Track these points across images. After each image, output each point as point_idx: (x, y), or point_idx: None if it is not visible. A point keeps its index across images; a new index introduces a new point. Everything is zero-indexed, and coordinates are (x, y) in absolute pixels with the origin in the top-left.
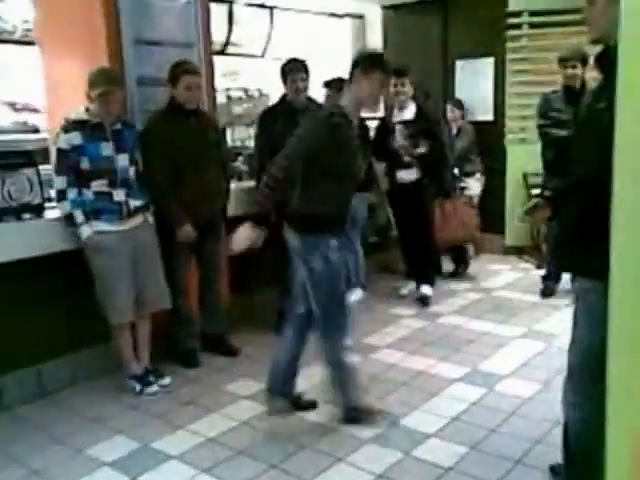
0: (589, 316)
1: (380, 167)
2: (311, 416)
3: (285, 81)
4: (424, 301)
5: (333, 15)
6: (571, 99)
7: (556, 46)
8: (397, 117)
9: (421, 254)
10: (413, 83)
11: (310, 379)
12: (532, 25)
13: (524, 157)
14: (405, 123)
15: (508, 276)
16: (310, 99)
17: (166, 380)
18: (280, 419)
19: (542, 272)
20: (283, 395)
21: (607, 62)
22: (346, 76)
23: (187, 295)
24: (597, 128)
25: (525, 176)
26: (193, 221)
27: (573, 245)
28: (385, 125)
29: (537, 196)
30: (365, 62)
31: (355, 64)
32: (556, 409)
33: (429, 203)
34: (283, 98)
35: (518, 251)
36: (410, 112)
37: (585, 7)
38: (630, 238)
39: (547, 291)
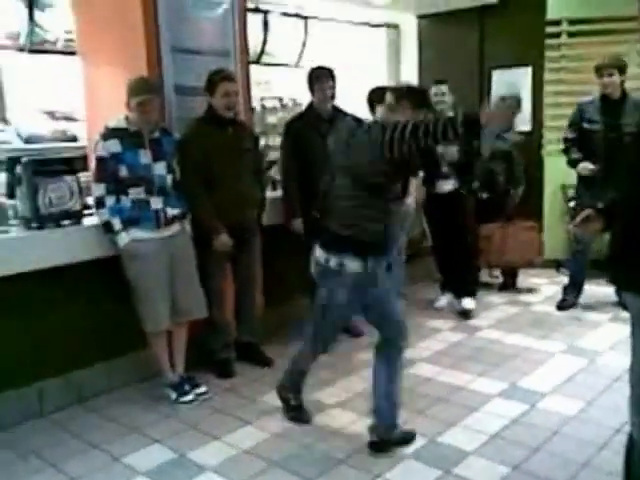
0: None
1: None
2: (348, 430)
3: (312, 89)
4: (466, 314)
5: (368, 25)
6: (607, 109)
7: (596, 55)
8: None
9: (462, 266)
10: (452, 92)
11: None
12: (571, 34)
13: (562, 169)
14: None
15: (547, 290)
16: (336, 107)
17: (202, 389)
18: (316, 432)
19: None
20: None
21: None
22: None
23: (223, 304)
24: None
25: (564, 188)
26: (229, 230)
27: (628, 259)
28: None
29: (589, 207)
30: (416, 98)
31: (405, 94)
32: (601, 430)
33: (467, 213)
34: (310, 106)
35: (556, 264)
36: None
37: (638, 17)
38: None
39: (564, 304)
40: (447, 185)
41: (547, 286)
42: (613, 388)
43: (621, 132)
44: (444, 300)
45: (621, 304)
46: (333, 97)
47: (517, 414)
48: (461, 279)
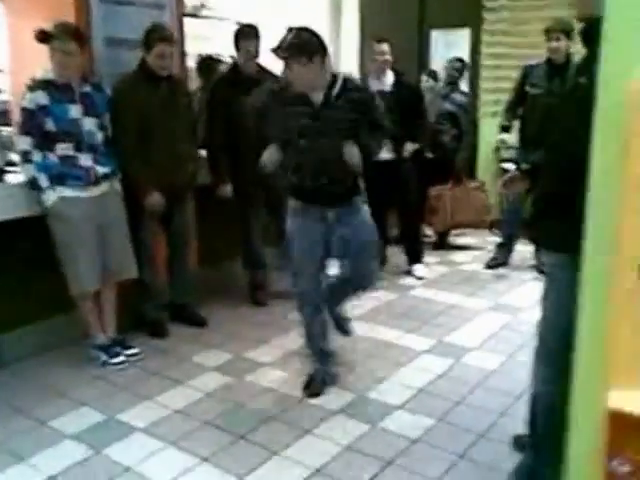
0: (558, 291)
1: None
2: (279, 388)
3: (238, 47)
4: (420, 278)
5: None
6: (552, 73)
7: (534, 19)
8: (373, 86)
9: (408, 233)
10: (392, 52)
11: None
12: None
13: (497, 130)
14: (382, 94)
15: (477, 249)
16: (261, 66)
17: (133, 350)
18: (249, 390)
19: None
20: None
21: (591, 36)
22: None
23: (155, 265)
24: (578, 102)
25: (497, 150)
26: (162, 189)
27: (545, 219)
28: None
29: (515, 169)
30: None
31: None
32: (519, 382)
33: (411, 180)
34: (234, 66)
35: (489, 224)
36: (388, 82)
37: None
38: (605, 213)
39: (493, 262)
40: (384, 153)
41: (478, 245)
42: (532, 343)
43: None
44: None
45: (537, 267)
46: (257, 56)
47: (443, 369)
48: (409, 246)
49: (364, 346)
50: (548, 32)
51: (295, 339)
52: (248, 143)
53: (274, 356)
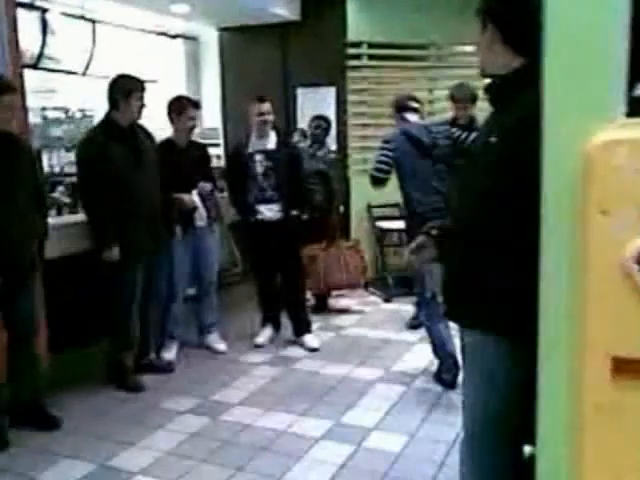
0: (481, 373)
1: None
2: None
3: (128, 99)
4: (314, 350)
5: (164, 35)
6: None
7: (395, 79)
8: (256, 146)
9: (295, 302)
10: (274, 111)
11: None
12: (371, 57)
13: (368, 188)
14: (266, 153)
15: (357, 310)
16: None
17: None
18: None
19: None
20: None
21: (496, 94)
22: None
23: None
24: (490, 165)
25: (369, 207)
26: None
27: (461, 294)
28: (239, 154)
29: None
30: None
31: None
32: (425, 467)
33: (297, 244)
34: (110, 120)
35: (364, 284)
36: (272, 141)
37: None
38: (561, 302)
39: (415, 322)
40: (271, 211)
41: (357, 307)
42: (432, 417)
43: None
44: (266, 334)
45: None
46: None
47: (343, 458)
48: (297, 316)
49: (253, 437)
50: (456, 101)
51: (168, 439)
52: (138, 203)
53: (143, 461)
